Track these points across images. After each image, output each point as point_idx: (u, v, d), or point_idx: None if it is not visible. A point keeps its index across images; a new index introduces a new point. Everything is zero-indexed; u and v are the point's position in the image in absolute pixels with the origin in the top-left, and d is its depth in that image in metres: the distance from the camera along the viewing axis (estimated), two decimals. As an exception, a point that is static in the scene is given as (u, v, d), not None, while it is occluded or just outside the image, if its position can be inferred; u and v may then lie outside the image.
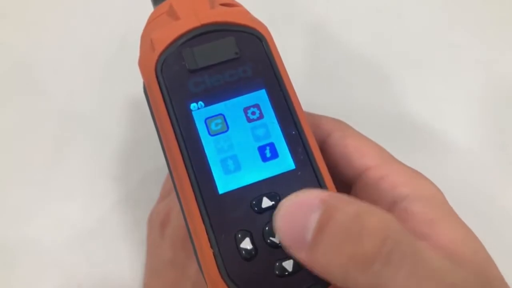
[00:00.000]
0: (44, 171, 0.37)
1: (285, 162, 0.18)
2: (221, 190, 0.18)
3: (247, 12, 0.21)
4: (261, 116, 0.19)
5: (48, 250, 0.35)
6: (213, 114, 0.19)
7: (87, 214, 0.35)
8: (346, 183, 0.22)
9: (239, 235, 0.17)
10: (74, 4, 0.42)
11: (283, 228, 0.16)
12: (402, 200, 0.20)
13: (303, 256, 0.16)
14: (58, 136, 0.37)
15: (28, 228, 0.35)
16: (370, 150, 0.21)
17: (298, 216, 0.16)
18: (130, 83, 0.32)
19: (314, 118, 0.23)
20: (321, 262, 0.16)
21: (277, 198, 0.18)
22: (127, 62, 0.28)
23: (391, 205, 0.20)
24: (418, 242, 0.16)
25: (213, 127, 0.19)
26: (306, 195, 0.17)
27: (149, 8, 0.23)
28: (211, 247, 0.17)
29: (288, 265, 0.17)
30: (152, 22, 0.21)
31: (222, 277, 0.17)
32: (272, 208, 0.18)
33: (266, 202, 0.18)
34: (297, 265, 0.17)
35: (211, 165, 0.18)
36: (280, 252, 0.17)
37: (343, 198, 0.17)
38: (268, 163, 0.19)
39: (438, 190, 0.21)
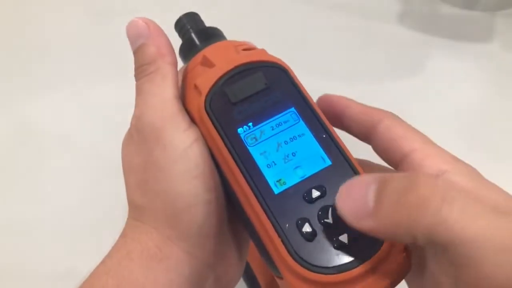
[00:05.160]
0: (43, 171, 0.37)
1: (323, 160, 0.23)
2: (276, 191, 0.22)
3: (266, 52, 0.26)
4: (295, 128, 0.24)
5: (48, 250, 0.36)
6: (258, 134, 0.23)
7: (87, 214, 0.36)
8: (392, 165, 0.25)
9: (299, 222, 0.22)
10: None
11: (345, 206, 0.20)
12: (443, 173, 0.22)
13: (369, 224, 0.19)
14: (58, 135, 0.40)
15: (28, 227, 0.35)
16: (415, 136, 0.24)
17: (357, 193, 0.20)
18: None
19: (366, 108, 0.26)
20: (386, 223, 0.19)
21: (323, 189, 0.22)
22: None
23: None
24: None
25: (260, 144, 0.23)
26: (361, 177, 0.20)
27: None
28: (279, 236, 0.21)
29: (344, 238, 0.21)
30: (190, 72, 0.26)
31: (293, 258, 0.21)
32: (321, 197, 0.22)
33: (315, 193, 0.22)
34: (352, 237, 0.21)
35: (264, 174, 0.23)
36: (335, 229, 0.21)
37: (392, 174, 0.20)
38: (309, 163, 0.23)
39: (474, 168, 0.23)
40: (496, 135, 0.50)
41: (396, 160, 0.24)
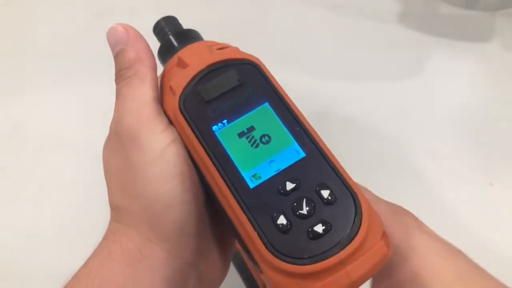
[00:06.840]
0: (42, 171, 0.38)
1: (297, 153, 0.23)
2: (251, 186, 0.22)
3: (239, 50, 0.26)
4: (269, 123, 0.24)
5: (48, 250, 0.36)
6: (232, 130, 0.24)
7: (86, 214, 0.37)
8: None
9: (275, 215, 0.22)
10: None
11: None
12: None
13: None
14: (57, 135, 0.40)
15: (28, 228, 0.36)
16: None
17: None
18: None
19: None
20: None
21: (297, 181, 0.22)
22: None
23: None
24: None
25: (234, 139, 0.23)
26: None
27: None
28: (255, 230, 0.21)
29: (319, 228, 0.21)
30: (167, 74, 0.27)
31: (269, 251, 0.21)
32: (295, 189, 0.22)
33: (289, 185, 0.22)
34: (327, 227, 0.21)
35: (239, 169, 0.23)
36: (310, 220, 0.21)
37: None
38: (283, 156, 0.23)
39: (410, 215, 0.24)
40: (496, 134, 0.50)
41: None
